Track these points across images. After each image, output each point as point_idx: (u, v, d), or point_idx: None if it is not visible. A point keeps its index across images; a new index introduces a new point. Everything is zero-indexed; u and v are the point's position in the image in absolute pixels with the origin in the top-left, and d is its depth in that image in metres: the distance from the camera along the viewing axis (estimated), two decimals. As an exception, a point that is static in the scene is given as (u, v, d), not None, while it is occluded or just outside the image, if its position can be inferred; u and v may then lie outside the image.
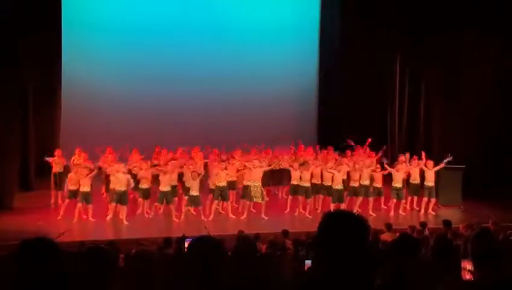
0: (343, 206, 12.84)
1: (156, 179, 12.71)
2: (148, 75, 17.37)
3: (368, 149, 14.72)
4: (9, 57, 13.20)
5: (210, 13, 17.93)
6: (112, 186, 12.32)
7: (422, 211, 13.47)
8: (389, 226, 9.93)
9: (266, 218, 12.64)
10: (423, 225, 10.28)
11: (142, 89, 17.32)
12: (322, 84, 19.20)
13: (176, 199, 12.85)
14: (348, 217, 2.28)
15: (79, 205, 12.02)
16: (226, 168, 12.78)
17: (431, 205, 13.53)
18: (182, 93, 17.55)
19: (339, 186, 12.97)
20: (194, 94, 17.54)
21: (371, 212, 13.02)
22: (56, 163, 13.63)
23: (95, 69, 17.11)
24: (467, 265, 4.10)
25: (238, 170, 13.37)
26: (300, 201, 13.16)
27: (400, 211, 13.42)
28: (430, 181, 13.42)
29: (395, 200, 13.44)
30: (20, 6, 13.77)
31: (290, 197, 13.38)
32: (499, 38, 15.31)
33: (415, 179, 13.54)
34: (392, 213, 13.32)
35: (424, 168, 13.57)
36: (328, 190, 13.18)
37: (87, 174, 12.22)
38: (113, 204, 12.20)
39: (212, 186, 12.71)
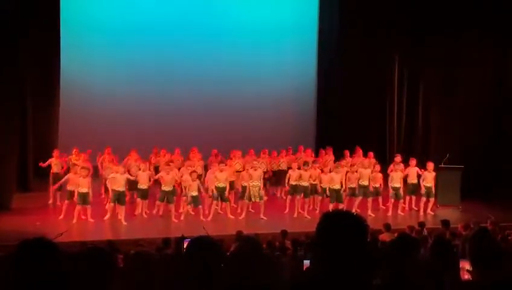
0: (342, 206, 12.83)
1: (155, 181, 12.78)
2: (147, 76, 17.38)
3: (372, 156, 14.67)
4: (9, 57, 13.19)
5: (208, 14, 17.94)
6: (110, 186, 12.30)
7: (421, 211, 13.47)
8: (387, 226, 9.94)
9: (265, 218, 12.64)
10: (422, 225, 10.29)
11: (141, 90, 17.33)
12: (320, 84, 19.21)
13: (175, 197, 12.80)
14: (346, 217, 2.28)
15: (77, 206, 12.02)
16: (224, 170, 12.75)
17: (430, 205, 13.52)
18: (180, 93, 17.58)
19: (337, 186, 12.97)
20: (192, 94, 17.57)
21: (369, 212, 13.02)
22: (54, 164, 13.61)
23: (93, 69, 17.13)
24: (466, 265, 4.10)
25: (237, 171, 13.37)
26: (299, 201, 13.15)
27: (399, 211, 13.42)
28: (429, 181, 13.42)
29: (393, 201, 13.44)
30: (20, 6, 13.76)
31: (289, 197, 13.38)
32: (499, 38, 15.32)
33: (413, 179, 13.54)
34: (390, 213, 13.33)
35: (420, 171, 13.54)
36: (325, 191, 13.13)
37: (86, 175, 12.21)
38: (111, 204, 12.20)
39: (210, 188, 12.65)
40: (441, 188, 13.92)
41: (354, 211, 11.88)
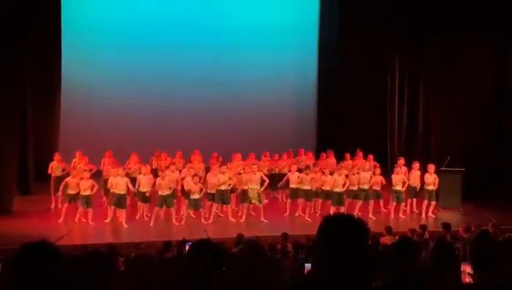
0: (343, 209, 12.78)
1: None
2: (148, 77, 17.37)
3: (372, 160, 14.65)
4: (9, 57, 13.17)
5: (209, 15, 17.92)
6: (110, 189, 12.28)
7: (423, 214, 13.41)
8: (389, 229, 9.91)
9: (266, 221, 12.61)
10: (423, 227, 10.27)
11: (141, 91, 17.32)
12: (321, 84, 19.19)
13: (174, 200, 12.78)
14: (348, 220, 2.28)
15: (80, 208, 12.01)
16: (225, 172, 12.73)
17: (431, 208, 13.48)
18: (181, 95, 17.55)
19: (338, 189, 12.95)
20: (193, 95, 17.54)
21: (371, 215, 12.97)
22: (55, 167, 13.59)
23: (94, 70, 17.10)
24: (467, 268, 4.10)
25: (238, 173, 13.35)
26: (300, 204, 13.12)
27: (400, 214, 13.36)
28: (430, 184, 13.38)
29: (395, 203, 13.42)
30: (20, 6, 13.75)
31: (289, 200, 13.35)
32: (499, 38, 15.32)
33: (414, 182, 13.51)
34: (392, 216, 13.28)
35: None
36: (327, 194, 13.09)
37: (89, 178, 12.20)
38: (112, 207, 12.19)
39: (211, 191, 12.61)
40: (442, 190, 13.85)
41: (355, 214, 11.86)
